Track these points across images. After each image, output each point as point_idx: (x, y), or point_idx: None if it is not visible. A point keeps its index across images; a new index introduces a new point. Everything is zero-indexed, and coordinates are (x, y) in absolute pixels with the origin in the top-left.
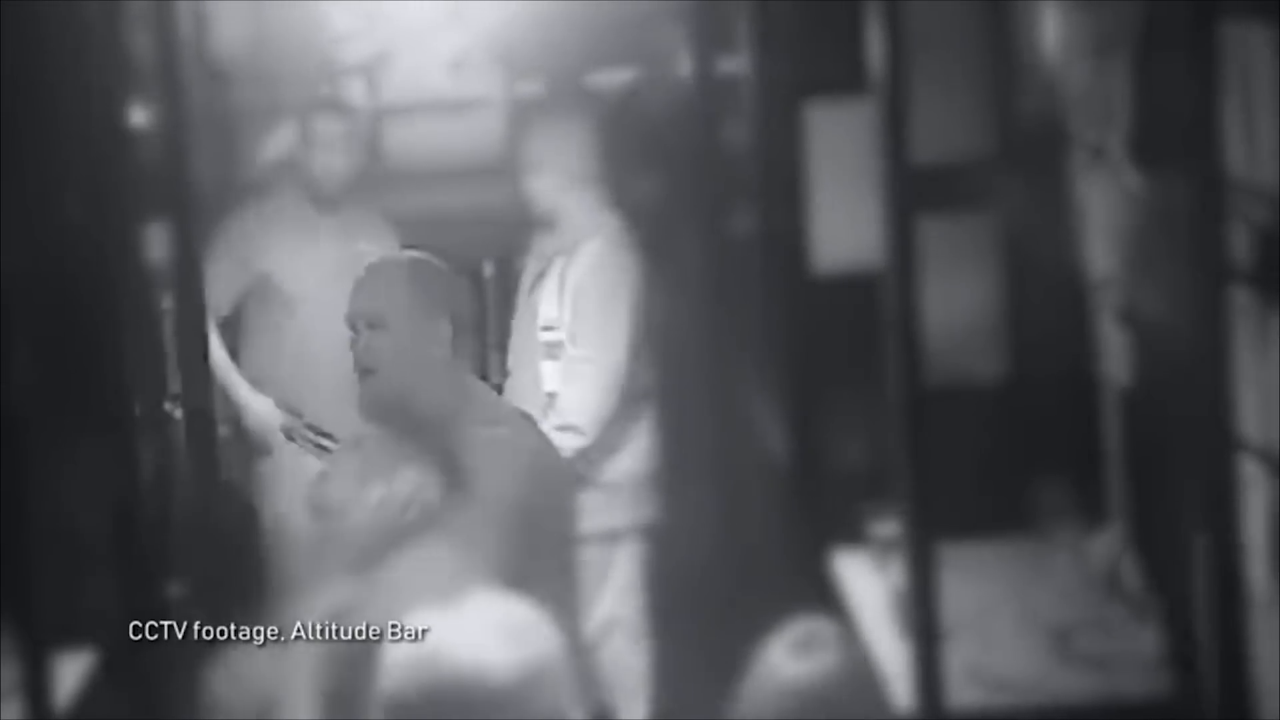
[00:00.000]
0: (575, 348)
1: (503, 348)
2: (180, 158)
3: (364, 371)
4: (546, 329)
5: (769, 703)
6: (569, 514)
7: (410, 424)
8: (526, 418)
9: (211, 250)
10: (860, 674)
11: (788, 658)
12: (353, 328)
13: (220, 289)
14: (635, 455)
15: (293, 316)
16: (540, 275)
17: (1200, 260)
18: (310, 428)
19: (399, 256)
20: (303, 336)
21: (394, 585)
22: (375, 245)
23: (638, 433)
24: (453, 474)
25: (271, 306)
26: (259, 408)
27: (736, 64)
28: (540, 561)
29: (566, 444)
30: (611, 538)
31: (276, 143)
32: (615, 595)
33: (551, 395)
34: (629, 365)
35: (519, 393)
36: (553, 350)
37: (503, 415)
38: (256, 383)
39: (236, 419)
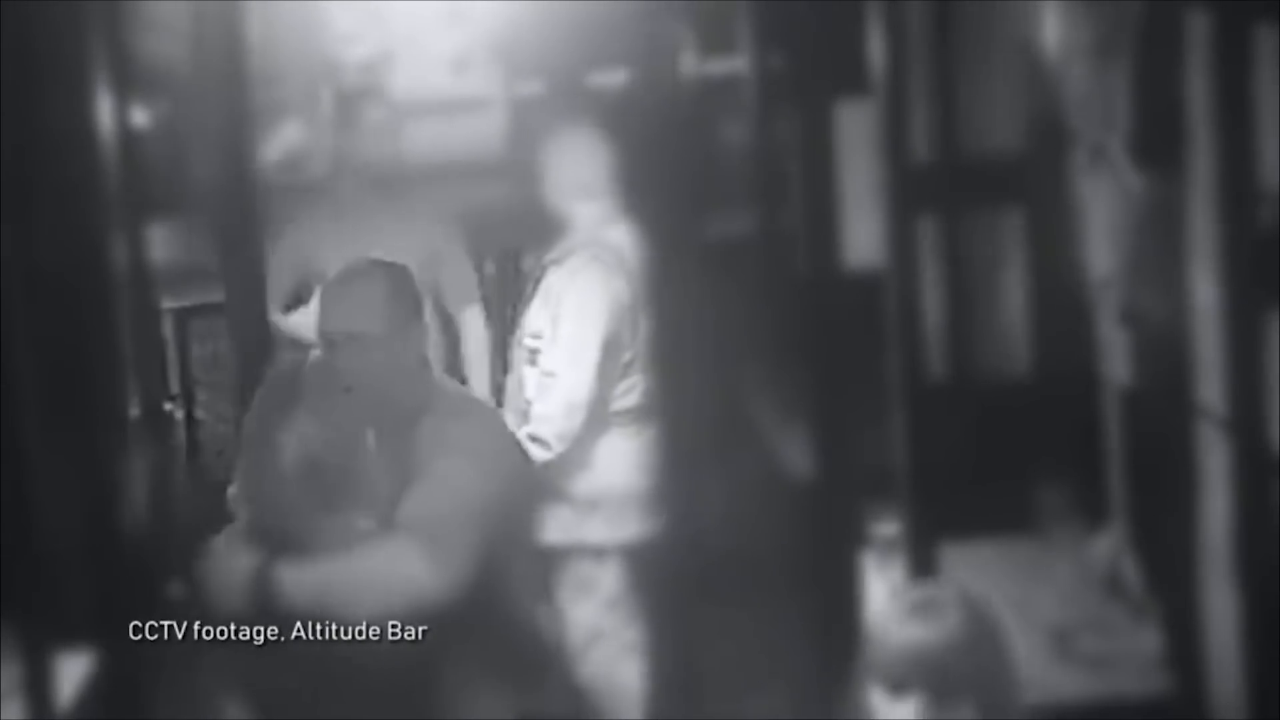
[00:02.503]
0: (547, 360)
1: (504, 345)
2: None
3: (344, 389)
4: (531, 336)
5: (888, 665)
6: (528, 506)
7: (382, 426)
8: (492, 411)
9: (272, 253)
10: (981, 637)
11: (907, 621)
12: (327, 343)
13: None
14: (620, 472)
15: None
16: (537, 280)
17: (1201, 260)
18: None
19: (368, 266)
20: None
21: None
22: (427, 236)
23: (618, 450)
24: (410, 470)
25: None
26: None
27: (736, 64)
28: (502, 551)
29: (534, 455)
30: (597, 553)
31: (279, 143)
32: (599, 608)
33: (529, 402)
34: (595, 384)
35: (510, 392)
36: (533, 357)
37: (466, 408)
38: None
39: None
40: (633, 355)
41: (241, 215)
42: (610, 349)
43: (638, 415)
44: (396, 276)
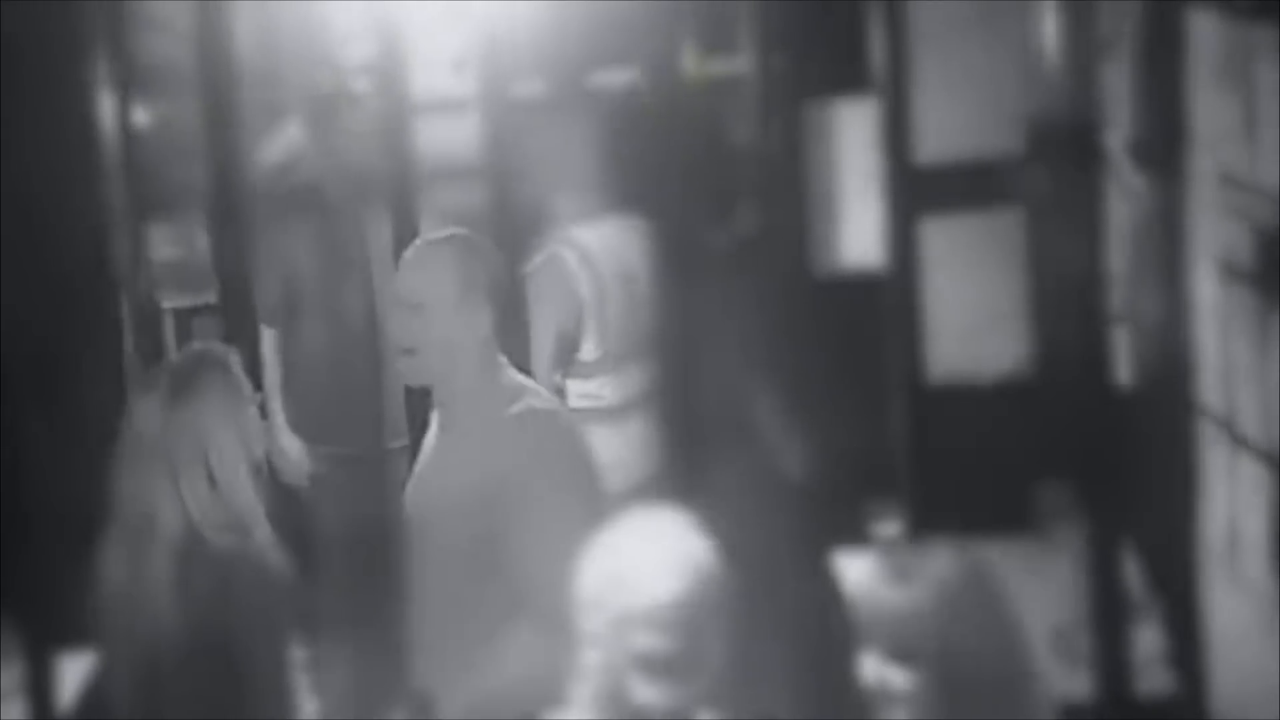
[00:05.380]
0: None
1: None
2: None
3: (402, 350)
4: None
5: (876, 629)
6: (594, 485)
7: (445, 398)
8: (547, 399)
9: (256, 259)
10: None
11: (888, 585)
12: (396, 306)
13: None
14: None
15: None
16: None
17: (1199, 259)
18: (337, 457)
19: (445, 238)
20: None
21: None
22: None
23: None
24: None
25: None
26: (291, 451)
27: (737, 64)
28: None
29: None
30: None
31: (279, 144)
32: None
33: None
34: (545, 379)
35: None
36: None
37: (526, 394)
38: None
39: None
40: (599, 356)
41: (233, 217)
42: (559, 345)
43: (608, 416)
44: (465, 251)
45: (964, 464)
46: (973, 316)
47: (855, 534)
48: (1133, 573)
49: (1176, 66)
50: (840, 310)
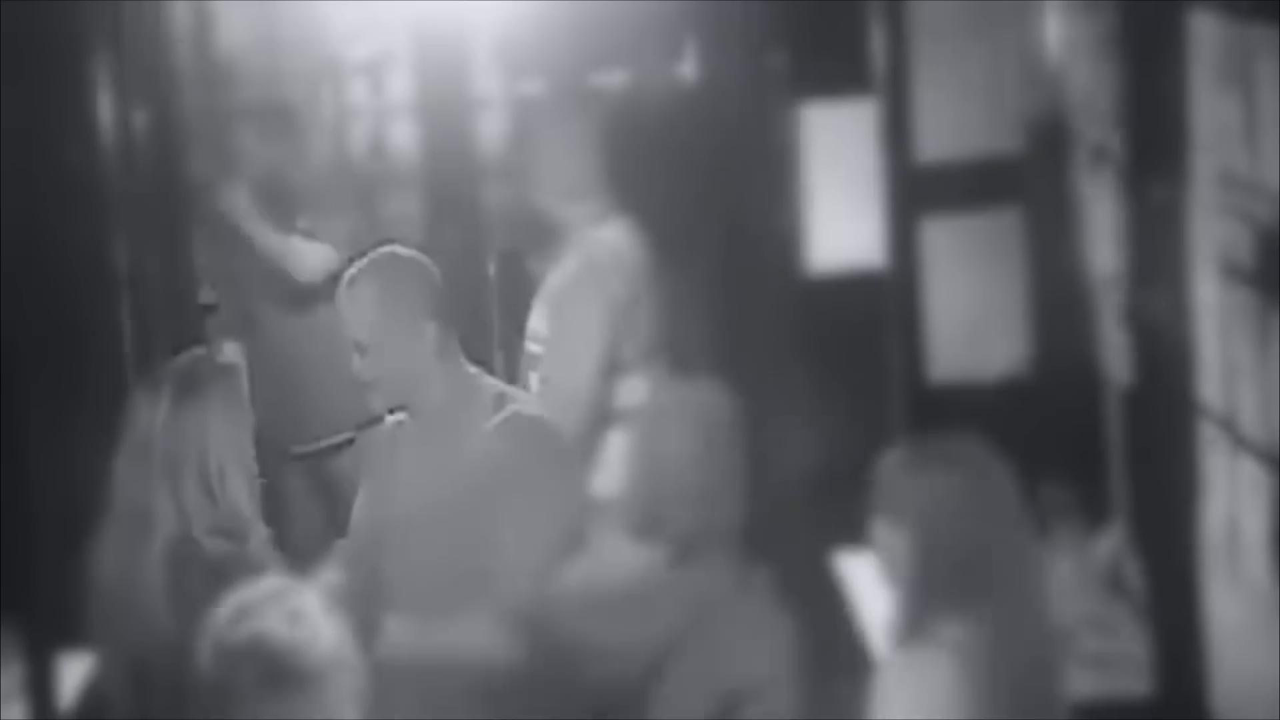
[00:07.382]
0: (544, 365)
1: (509, 347)
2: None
3: (364, 384)
4: (532, 340)
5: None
6: (578, 490)
7: (418, 412)
8: (523, 401)
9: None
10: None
11: (910, 473)
12: (348, 342)
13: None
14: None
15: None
16: (539, 283)
17: (1199, 259)
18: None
19: (364, 266)
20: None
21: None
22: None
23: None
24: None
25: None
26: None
27: (736, 64)
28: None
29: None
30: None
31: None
32: None
33: None
34: (594, 387)
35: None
36: (532, 362)
37: (509, 400)
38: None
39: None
40: (634, 354)
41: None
42: (608, 349)
43: (630, 414)
44: (390, 274)
45: None
46: (973, 316)
47: (856, 534)
48: (1133, 573)
49: (1176, 66)
50: (840, 310)
